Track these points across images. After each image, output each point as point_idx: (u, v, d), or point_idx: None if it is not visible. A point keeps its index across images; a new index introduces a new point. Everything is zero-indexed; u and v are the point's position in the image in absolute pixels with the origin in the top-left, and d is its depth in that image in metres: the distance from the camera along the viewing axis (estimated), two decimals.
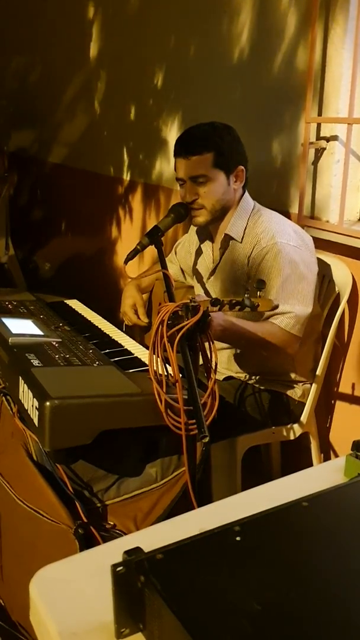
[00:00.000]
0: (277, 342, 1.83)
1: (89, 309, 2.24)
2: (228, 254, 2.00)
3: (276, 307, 1.48)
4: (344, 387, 2.23)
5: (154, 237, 1.84)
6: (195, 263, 2.17)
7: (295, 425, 2.09)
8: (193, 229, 2.18)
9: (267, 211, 1.99)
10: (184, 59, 2.82)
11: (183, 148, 1.91)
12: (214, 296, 2.07)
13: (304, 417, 2.08)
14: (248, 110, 2.48)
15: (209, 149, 1.87)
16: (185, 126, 2.87)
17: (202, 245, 2.12)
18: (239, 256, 1.95)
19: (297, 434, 2.10)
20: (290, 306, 1.83)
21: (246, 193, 1.99)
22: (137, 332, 2.12)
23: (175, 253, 2.30)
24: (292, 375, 2.05)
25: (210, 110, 2.66)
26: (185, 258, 2.24)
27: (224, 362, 2.07)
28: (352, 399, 2.21)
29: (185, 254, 2.24)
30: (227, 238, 1.97)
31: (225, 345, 2.03)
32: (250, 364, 2.04)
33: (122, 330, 2.01)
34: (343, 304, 2.06)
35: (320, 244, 2.12)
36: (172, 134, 2.96)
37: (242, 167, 1.92)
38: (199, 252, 2.14)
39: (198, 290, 2.16)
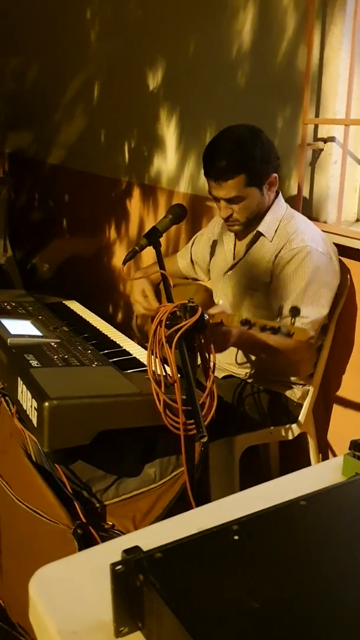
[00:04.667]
0: (290, 347, 1.83)
1: (87, 310, 2.24)
2: (254, 250, 1.99)
3: (312, 338, 1.45)
4: (342, 388, 2.24)
5: (152, 238, 1.84)
6: (212, 254, 2.16)
7: (294, 425, 2.09)
8: (217, 220, 2.17)
9: (299, 215, 2.00)
10: (182, 60, 2.83)
11: (213, 173, 1.86)
12: (228, 291, 2.07)
13: (301, 417, 2.09)
14: (246, 112, 2.48)
15: (241, 171, 1.83)
16: (184, 127, 2.88)
17: (224, 237, 2.11)
18: (266, 253, 1.96)
19: (295, 434, 2.10)
20: (309, 311, 1.84)
21: (280, 195, 1.98)
22: (139, 323, 2.11)
23: (192, 245, 2.27)
24: (292, 377, 2.05)
25: (209, 111, 2.67)
26: (203, 250, 2.22)
27: (225, 357, 2.07)
28: (350, 399, 2.22)
29: (204, 246, 2.22)
30: (258, 234, 1.97)
31: None
32: (254, 361, 2.04)
33: (128, 333, 2.01)
34: (340, 305, 2.07)
35: None
36: (170, 135, 2.96)
37: (275, 175, 1.90)
38: (219, 244, 2.13)
39: (212, 283, 2.15)
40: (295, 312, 1.44)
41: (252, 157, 1.84)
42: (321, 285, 1.87)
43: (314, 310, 1.85)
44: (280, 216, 1.96)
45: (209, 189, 1.92)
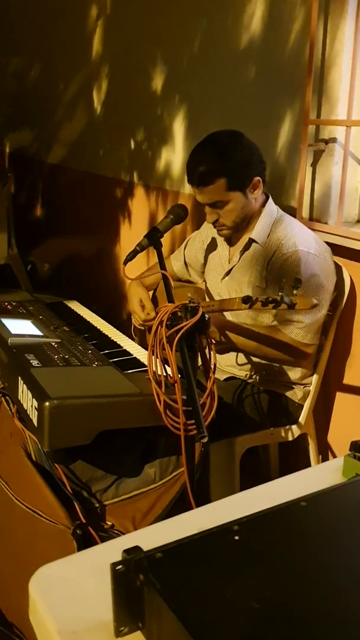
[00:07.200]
0: (287, 351, 1.84)
1: (88, 310, 2.24)
2: (247, 256, 1.98)
3: (315, 305, 1.45)
4: (342, 389, 2.24)
5: (153, 238, 1.84)
6: (206, 257, 2.16)
7: (294, 427, 2.09)
8: (208, 224, 2.18)
9: (289, 218, 1.99)
10: (185, 59, 2.83)
11: (194, 180, 1.87)
12: (226, 297, 2.06)
13: (302, 418, 2.09)
14: (248, 112, 2.48)
15: (220, 175, 1.83)
16: (184, 128, 2.88)
17: (217, 240, 2.11)
18: (259, 258, 1.95)
19: (295, 435, 2.10)
20: (304, 316, 1.83)
21: (270, 199, 1.98)
22: (137, 333, 2.12)
23: (185, 247, 2.28)
24: (293, 377, 2.05)
25: (211, 112, 2.67)
26: (196, 253, 2.22)
27: (226, 359, 2.06)
28: (350, 401, 2.22)
29: (197, 248, 2.22)
30: (250, 241, 1.96)
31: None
32: (254, 362, 2.04)
33: (129, 333, 2.01)
34: (341, 306, 2.07)
35: None
36: (171, 136, 2.96)
37: (258, 178, 1.88)
38: (212, 246, 2.13)
39: (209, 288, 2.15)
40: (297, 282, 1.44)
41: (231, 160, 1.83)
42: (316, 288, 1.85)
43: (309, 315, 1.84)
44: (271, 221, 1.95)
45: (194, 195, 1.93)
